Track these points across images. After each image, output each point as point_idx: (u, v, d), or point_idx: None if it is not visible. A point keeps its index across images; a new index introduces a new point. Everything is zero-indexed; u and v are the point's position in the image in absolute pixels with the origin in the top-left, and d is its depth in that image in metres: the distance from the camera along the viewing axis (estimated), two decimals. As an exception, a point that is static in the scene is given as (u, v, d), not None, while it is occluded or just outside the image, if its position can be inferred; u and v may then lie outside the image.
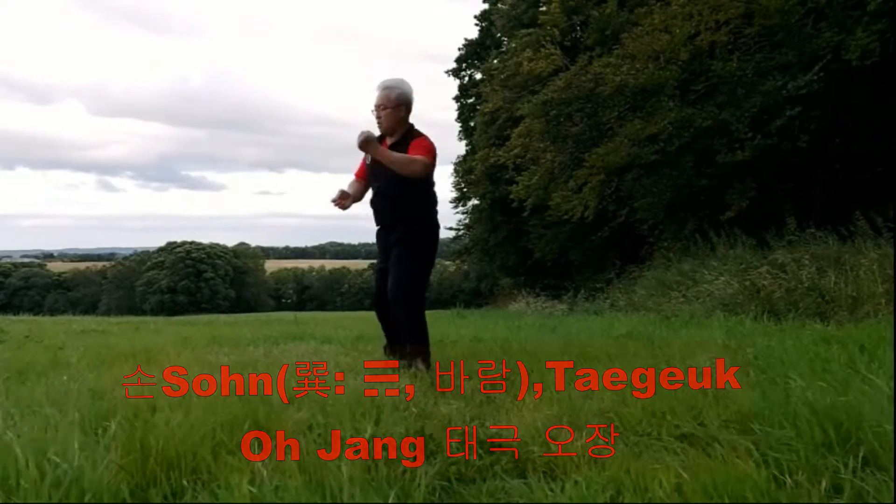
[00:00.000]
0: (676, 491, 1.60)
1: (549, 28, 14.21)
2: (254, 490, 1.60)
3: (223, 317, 21.45)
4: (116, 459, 1.77)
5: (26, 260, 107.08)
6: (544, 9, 15.67)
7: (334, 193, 4.12)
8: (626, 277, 12.23)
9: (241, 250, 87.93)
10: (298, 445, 1.95)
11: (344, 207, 4.14)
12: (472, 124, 24.59)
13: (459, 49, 27.03)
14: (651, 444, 1.97)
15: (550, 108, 12.85)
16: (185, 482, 1.73)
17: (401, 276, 3.98)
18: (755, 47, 9.89)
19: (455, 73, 27.26)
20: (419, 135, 4.03)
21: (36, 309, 35.33)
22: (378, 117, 4.05)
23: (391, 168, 3.83)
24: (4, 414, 2.33)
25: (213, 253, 78.32)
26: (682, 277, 8.94)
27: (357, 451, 1.85)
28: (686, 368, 3.10)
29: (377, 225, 4.21)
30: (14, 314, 14.56)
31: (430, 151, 3.95)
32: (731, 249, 8.62)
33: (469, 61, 26.81)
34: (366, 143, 3.81)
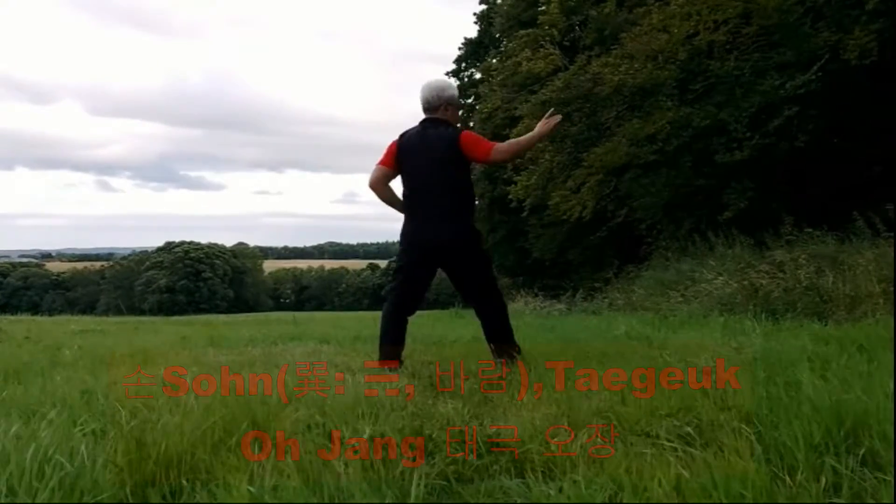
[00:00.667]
0: (675, 490, 1.61)
1: (547, 28, 14.21)
2: (252, 490, 1.60)
3: (222, 317, 21.45)
4: (115, 459, 1.76)
5: (25, 260, 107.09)
6: (543, 8, 15.67)
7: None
8: (625, 277, 12.23)
9: (240, 250, 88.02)
10: (297, 445, 1.95)
11: None
12: (471, 124, 24.59)
13: (459, 49, 27.06)
14: (650, 444, 1.97)
15: (549, 108, 12.83)
16: (183, 482, 1.73)
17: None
18: (753, 47, 9.89)
19: (455, 73, 27.27)
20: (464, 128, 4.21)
21: (34, 309, 35.27)
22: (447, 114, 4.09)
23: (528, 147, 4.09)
24: (4, 414, 2.33)
25: (211, 253, 78.39)
26: (681, 277, 8.94)
27: (356, 451, 1.85)
28: (685, 368, 3.11)
29: None
30: (12, 314, 14.55)
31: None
32: (729, 249, 8.63)
33: (468, 61, 26.81)
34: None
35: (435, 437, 2.09)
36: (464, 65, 27.05)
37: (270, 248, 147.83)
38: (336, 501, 1.57)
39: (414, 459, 1.86)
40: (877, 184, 8.92)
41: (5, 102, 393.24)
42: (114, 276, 79.63)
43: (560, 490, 1.68)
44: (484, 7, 25.30)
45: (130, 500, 1.64)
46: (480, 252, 4.08)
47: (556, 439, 2.09)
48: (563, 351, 4.23)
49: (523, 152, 3.96)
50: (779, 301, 6.27)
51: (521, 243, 20.13)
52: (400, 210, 4.03)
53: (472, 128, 23.90)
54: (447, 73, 27.34)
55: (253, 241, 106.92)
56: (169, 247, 78.75)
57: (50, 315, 17.72)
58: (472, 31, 26.64)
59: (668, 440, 1.97)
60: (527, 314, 12.80)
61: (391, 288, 4.22)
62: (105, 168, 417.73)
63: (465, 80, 27.05)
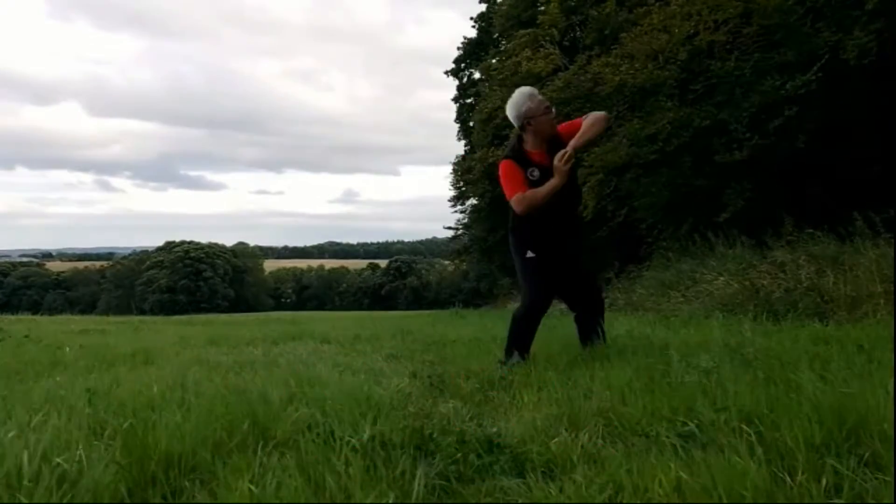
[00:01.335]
0: (676, 490, 1.60)
1: (547, 28, 14.21)
2: (253, 489, 1.60)
3: (222, 316, 21.47)
4: (116, 459, 1.76)
5: (25, 259, 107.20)
6: (543, 8, 15.67)
7: None
8: (625, 277, 12.22)
9: (240, 250, 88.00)
10: (298, 445, 1.95)
11: None
12: (471, 124, 24.59)
13: (458, 48, 27.05)
14: (650, 444, 1.97)
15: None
16: (184, 482, 1.73)
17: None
18: (754, 47, 9.89)
19: (454, 73, 27.27)
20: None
21: (35, 308, 35.26)
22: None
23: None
24: (4, 414, 2.33)
25: (211, 252, 78.39)
26: (682, 277, 8.94)
27: (356, 451, 1.85)
28: (685, 368, 3.11)
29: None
30: (13, 314, 14.53)
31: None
32: (730, 249, 8.63)
33: (468, 61, 26.81)
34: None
35: (435, 437, 2.09)
36: (463, 64, 27.04)
37: (271, 248, 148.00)
38: (336, 501, 1.57)
39: (414, 459, 1.86)
40: (877, 184, 8.90)
41: (5, 102, 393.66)
42: (114, 276, 79.64)
43: (560, 490, 1.68)
44: (484, 7, 25.31)
45: (130, 500, 1.64)
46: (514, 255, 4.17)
47: (555, 439, 2.09)
48: (563, 351, 4.22)
49: (541, 203, 3.88)
50: (780, 301, 6.26)
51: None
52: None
53: (472, 128, 23.92)
54: (446, 73, 27.37)
55: (253, 241, 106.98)
56: (169, 246, 78.74)
57: (50, 315, 17.71)
58: (472, 31, 26.65)
59: (668, 440, 1.97)
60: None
61: None
62: (105, 167, 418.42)
63: (465, 80, 27.05)
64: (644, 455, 1.85)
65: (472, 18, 25.91)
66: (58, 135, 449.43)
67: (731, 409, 2.18)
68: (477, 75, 24.55)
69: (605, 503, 1.61)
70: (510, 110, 3.98)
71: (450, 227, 28.53)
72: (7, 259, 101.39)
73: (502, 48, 20.77)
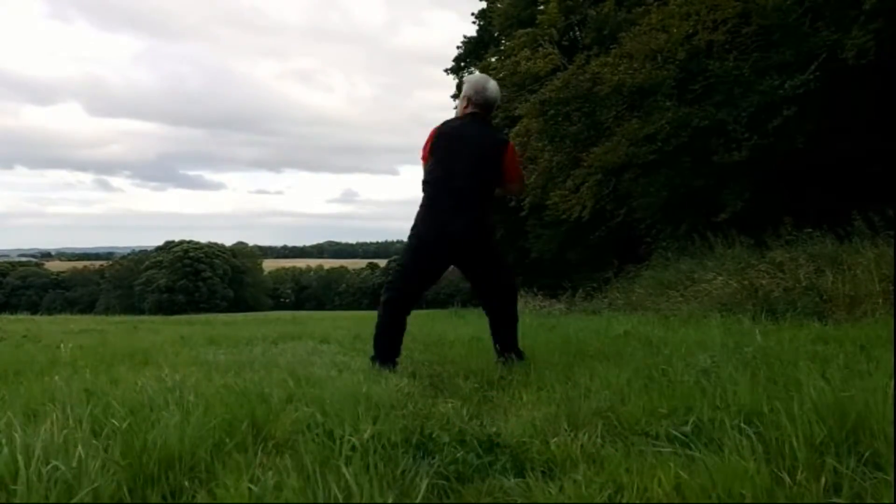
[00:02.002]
0: (675, 490, 1.60)
1: (546, 27, 14.21)
2: (253, 489, 1.60)
3: (221, 316, 21.44)
4: (115, 459, 1.76)
5: (24, 259, 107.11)
6: (542, 8, 15.67)
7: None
8: (624, 277, 12.23)
9: (239, 249, 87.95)
10: (297, 445, 1.95)
11: None
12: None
13: (458, 48, 27.04)
14: (650, 444, 1.97)
15: (548, 108, 12.86)
16: (184, 482, 1.73)
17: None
18: (752, 46, 9.90)
19: (454, 71, 27.24)
20: None
21: (34, 308, 35.25)
22: None
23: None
24: (2, 414, 2.32)
25: (211, 252, 78.29)
26: (680, 277, 8.94)
27: (356, 451, 1.85)
28: (685, 367, 3.11)
29: None
30: (12, 313, 14.53)
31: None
32: (728, 249, 8.64)
33: (467, 60, 26.78)
34: None
35: (435, 437, 2.09)
36: (463, 63, 27.02)
37: (270, 248, 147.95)
38: (336, 501, 1.57)
39: (414, 459, 1.86)
40: (876, 183, 8.91)
41: (5, 102, 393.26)
42: (113, 276, 79.56)
43: (560, 489, 1.68)
44: (483, 6, 25.28)
45: (130, 500, 1.63)
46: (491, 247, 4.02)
47: (555, 439, 2.09)
48: (562, 351, 4.22)
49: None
50: (779, 301, 6.27)
51: (520, 243, 20.13)
52: None
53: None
54: (446, 71, 27.34)
55: (252, 241, 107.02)
56: (168, 246, 78.65)
57: (49, 314, 17.70)
58: (472, 29, 26.63)
59: (669, 440, 1.97)
60: (526, 314, 12.78)
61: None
62: (104, 167, 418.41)
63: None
64: (644, 454, 1.85)
65: (472, 14, 25.90)
66: (57, 134, 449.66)
67: (731, 409, 2.18)
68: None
69: (605, 503, 1.61)
70: (467, 82, 3.99)
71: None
72: (6, 259, 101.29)
73: (502, 47, 20.77)
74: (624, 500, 1.61)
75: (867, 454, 1.71)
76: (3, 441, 1.84)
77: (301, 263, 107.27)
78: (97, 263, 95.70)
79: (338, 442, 1.92)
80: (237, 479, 1.65)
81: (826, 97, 9.27)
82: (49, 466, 1.64)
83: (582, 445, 2.01)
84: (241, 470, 1.71)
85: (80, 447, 1.75)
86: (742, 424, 1.94)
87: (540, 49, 13.68)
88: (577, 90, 12.10)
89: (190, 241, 79.48)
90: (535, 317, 10.81)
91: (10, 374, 3.66)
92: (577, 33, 15.75)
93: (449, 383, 3.37)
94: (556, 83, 12.47)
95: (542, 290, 17.46)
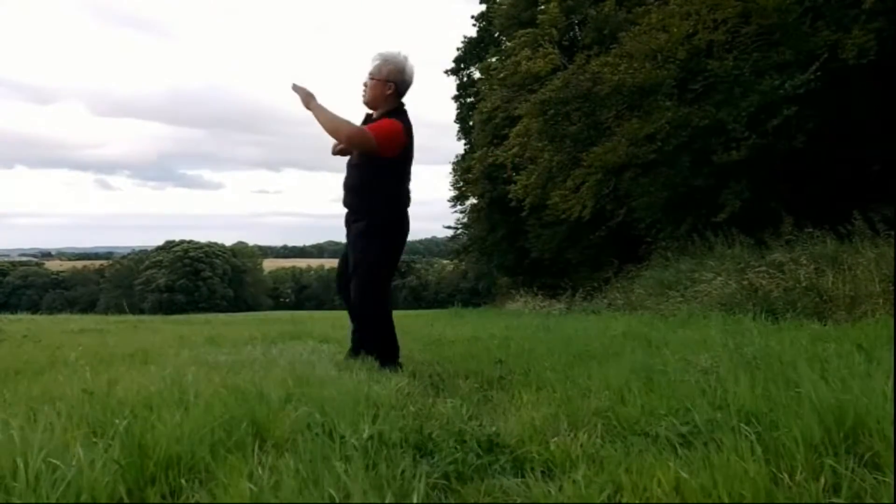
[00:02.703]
0: (675, 490, 1.60)
1: (547, 27, 14.21)
2: (252, 488, 1.60)
3: (221, 316, 21.45)
4: (115, 458, 1.76)
5: (24, 259, 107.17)
6: (542, 8, 15.67)
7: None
8: (624, 277, 12.23)
9: (239, 249, 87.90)
10: (297, 444, 1.95)
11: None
12: (470, 123, 24.59)
13: (458, 48, 27.06)
14: (650, 444, 1.97)
15: (548, 108, 12.87)
16: (183, 481, 1.73)
17: (359, 282, 3.92)
18: (752, 46, 9.89)
19: (454, 71, 27.26)
20: (392, 116, 3.78)
21: (34, 308, 35.20)
22: (363, 86, 3.87)
23: (323, 126, 3.75)
24: (2, 413, 2.32)
25: (210, 252, 78.29)
26: (680, 277, 8.94)
27: (356, 450, 1.85)
28: (684, 367, 3.11)
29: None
30: (12, 313, 14.51)
31: (380, 130, 3.70)
32: (728, 249, 8.63)
33: (468, 60, 26.80)
34: (307, 96, 3.77)
35: (434, 437, 2.09)
36: (463, 64, 27.03)
37: (270, 247, 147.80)
38: (336, 501, 1.57)
39: (413, 459, 1.86)
40: (876, 183, 8.91)
41: (5, 102, 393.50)
42: (113, 275, 79.59)
43: (560, 489, 1.68)
44: (483, 6, 25.30)
45: (129, 500, 1.63)
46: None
47: (554, 439, 2.09)
48: (562, 351, 4.22)
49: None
50: (779, 301, 6.27)
51: (520, 243, 20.13)
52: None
53: (472, 127, 23.92)
54: (446, 72, 27.35)
55: (252, 240, 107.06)
56: (168, 246, 78.69)
57: (49, 314, 17.68)
58: (472, 30, 26.64)
59: (668, 440, 1.97)
60: (526, 313, 12.80)
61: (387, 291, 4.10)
62: (104, 167, 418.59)
63: (465, 79, 27.03)
64: (643, 454, 1.85)
65: (472, 17, 25.93)
66: (57, 134, 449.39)
67: (730, 409, 2.18)
68: (477, 74, 24.54)
69: (605, 503, 1.61)
70: (394, 64, 3.83)
71: (449, 227, 28.57)
72: (6, 258, 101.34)
73: (503, 47, 20.78)
74: (623, 500, 1.61)
75: (866, 455, 1.71)
76: (3, 441, 1.84)
77: (301, 263, 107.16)
78: (97, 263, 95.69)
79: (337, 442, 1.92)
80: (237, 478, 1.65)
81: (826, 97, 9.26)
82: (49, 466, 1.64)
83: (581, 445, 2.01)
84: (241, 469, 1.71)
85: (79, 447, 1.75)
86: (741, 425, 1.94)
87: (540, 49, 13.68)
88: (578, 90, 12.10)
89: (190, 241, 79.51)
90: (535, 316, 10.82)
91: (11, 374, 3.66)
92: (578, 33, 15.75)
93: (449, 383, 3.37)
94: (557, 83, 12.47)
95: (542, 290, 17.49)
